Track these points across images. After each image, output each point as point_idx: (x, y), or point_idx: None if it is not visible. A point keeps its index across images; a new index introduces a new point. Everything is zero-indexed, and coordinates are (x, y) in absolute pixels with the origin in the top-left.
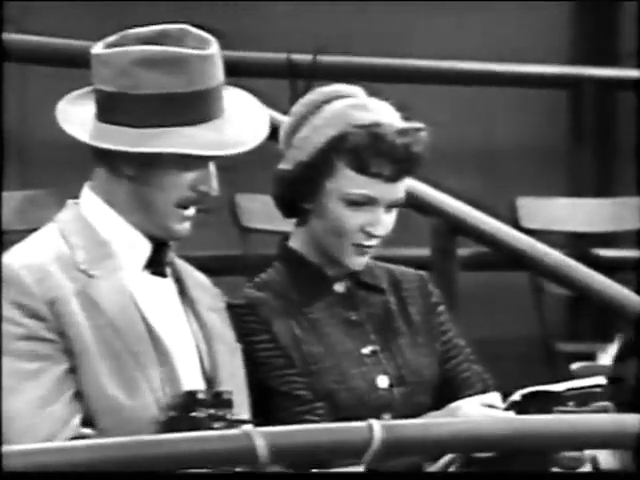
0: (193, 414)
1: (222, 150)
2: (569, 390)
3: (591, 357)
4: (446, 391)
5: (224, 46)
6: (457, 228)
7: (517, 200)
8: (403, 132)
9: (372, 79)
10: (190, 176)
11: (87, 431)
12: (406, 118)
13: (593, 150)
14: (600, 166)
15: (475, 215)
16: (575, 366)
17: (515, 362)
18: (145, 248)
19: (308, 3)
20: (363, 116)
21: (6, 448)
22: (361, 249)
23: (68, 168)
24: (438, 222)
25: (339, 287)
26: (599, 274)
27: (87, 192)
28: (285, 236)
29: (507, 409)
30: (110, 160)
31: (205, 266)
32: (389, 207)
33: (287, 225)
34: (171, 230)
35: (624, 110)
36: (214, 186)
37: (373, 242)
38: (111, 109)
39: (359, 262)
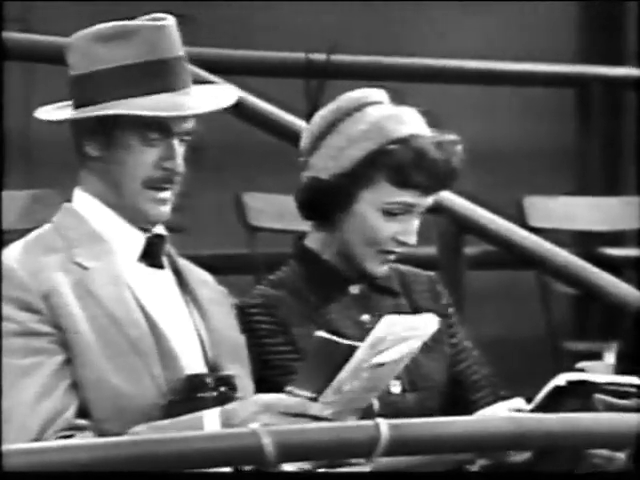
0: (196, 397)
1: (169, 112)
2: (610, 384)
3: (598, 356)
4: (455, 394)
5: (236, 45)
6: (464, 227)
7: (524, 199)
8: (441, 146)
9: (380, 78)
10: (153, 153)
11: (82, 422)
12: (432, 124)
13: (600, 149)
14: (607, 165)
15: (482, 214)
16: (581, 365)
17: (522, 361)
18: (139, 239)
19: (318, 3)
20: (399, 129)
21: (6, 447)
22: (388, 257)
23: (73, 167)
24: (445, 221)
25: (354, 289)
26: (606, 273)
27: (78, 192)
28: (300, 235)
29: (551, 392)
30: (78, 146)
31: (212, 265)
32: (418, 215)
33: (295, 224)
34: (145, 213)
35: (631, 109)
36: (179, 163)
37: (402, 250)
38: (79, 92)
39: (382, 270)
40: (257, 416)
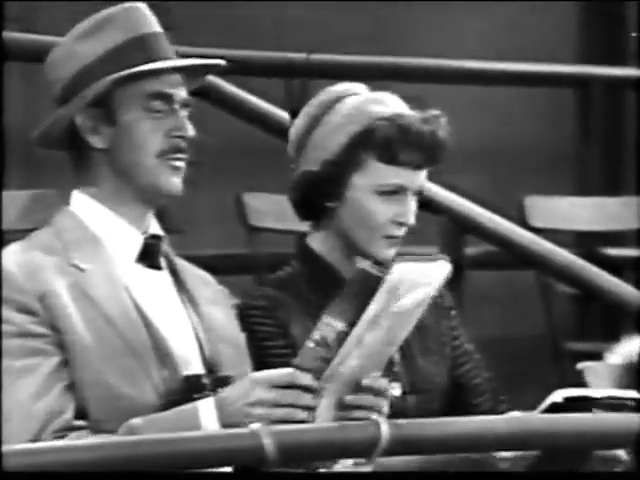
0: (193, 397)
1: (156, 66)
2: (607, 398)
3: (599, 356)
4: (455, 397)
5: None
6: (465, 227)
7: (525, 199)
8: (426, 120)
9: (380, 78)
10: (161, 125)
11: (79, 423)
12: (414, 109)
13: (601, 149)
14: (608, 165)
15: (483, 214)
16: (582, 365)
17: (523, 361)
18: (136, 240)
19: (319, 3)
20: (382, 109)
21: (6, 448)
22: (392, 240)
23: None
24: (446, 221)
25: None
26: (607, 273)
27: (76, 194)
28: (302, 235)
29: (548, 409)
30: (80, 144)
31: (212, 265)
32: (414, 196)
33: (295, 224)
34: (161, 184)
35: (632, 109)
36: (188, 128)
37: (403, 232)
38: (72, 95)
39: (390, 253)
40: (249, 393)
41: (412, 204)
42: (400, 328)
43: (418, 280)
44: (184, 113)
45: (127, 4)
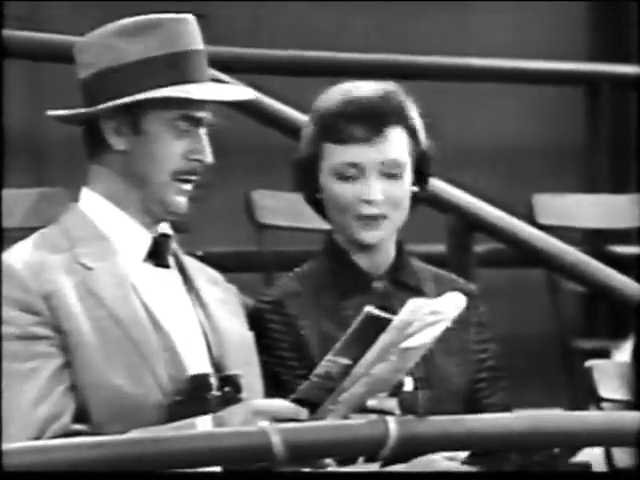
0: (199, 397)
1: (198, 95)
2: None
3: (607, 354)
4: (467, 410)
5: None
6: (474, 225)
7: (533, 197)
8: (370, 93)
9: (389, 76)
10: (182, 144)
11: (78, 427)
12: (424, 115)
13: (609, 147)
14: (616, 163)
15: (492, 212)
16: (590, 363)
17: (531, 358)
18: (145, 239)
19: (324, 2)
20: (338, 91)
21: (6, 447)
22: (367, 221)
23: (83, 165)
24: (455, 218)
25: (377, 284)
26: (615, 271)
27: (85, 191)
28: (331, 230)
29: None
30: (102, 140)
31: (221, 263)
32: (385, 174)
33: (304, 222)
34: (168, 203)
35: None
36: (207, 153)
37: (375, 211)
38: (103, 86)
39: (370, 236)
40: (249, 422)
41: (379, 183)
42: (410, 360)
43: (431, 318)
44: (205, 133)
45: (176, 15)
